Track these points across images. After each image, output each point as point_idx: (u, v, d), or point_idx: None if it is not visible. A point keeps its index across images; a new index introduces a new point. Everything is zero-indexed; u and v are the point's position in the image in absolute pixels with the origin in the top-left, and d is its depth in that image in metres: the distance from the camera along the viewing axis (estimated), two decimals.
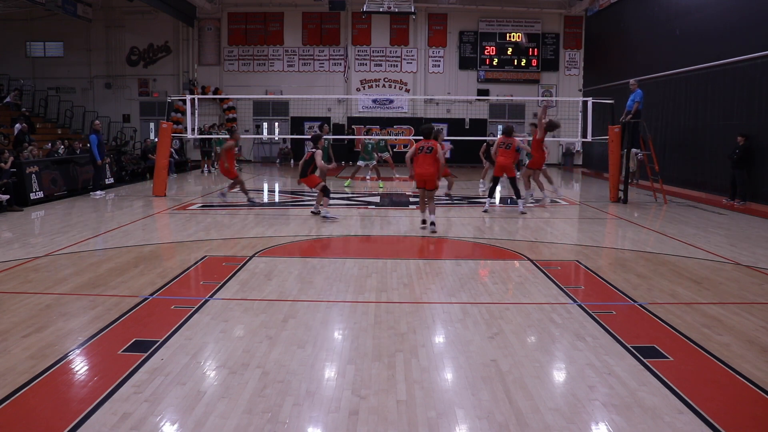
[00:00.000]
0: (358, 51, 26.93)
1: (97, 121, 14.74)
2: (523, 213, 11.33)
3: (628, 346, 4.50)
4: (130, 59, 27.18)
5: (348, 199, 13.83)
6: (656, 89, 16.66)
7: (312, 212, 10.91)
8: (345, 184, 16.36)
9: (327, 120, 26.65)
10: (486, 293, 6.01)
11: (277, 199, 14.73)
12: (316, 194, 10.94)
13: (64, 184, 13.77)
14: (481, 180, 16.06)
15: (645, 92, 13.95)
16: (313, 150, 10.44)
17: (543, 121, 12.17)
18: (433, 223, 9.32)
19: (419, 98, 26.51)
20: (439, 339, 4.70)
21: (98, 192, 14.11)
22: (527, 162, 13.01)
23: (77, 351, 4.33)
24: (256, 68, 26.95)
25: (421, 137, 9.41)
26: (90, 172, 14.46)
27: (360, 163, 16.33)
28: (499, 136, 11.86)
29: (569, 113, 24.12)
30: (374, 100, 26.84)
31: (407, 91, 26.84)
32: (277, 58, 26.94)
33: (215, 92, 25.96)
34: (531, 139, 13.00)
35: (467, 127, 25.85)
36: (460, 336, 4.72)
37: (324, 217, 10.38)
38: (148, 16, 25.94)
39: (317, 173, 10.51)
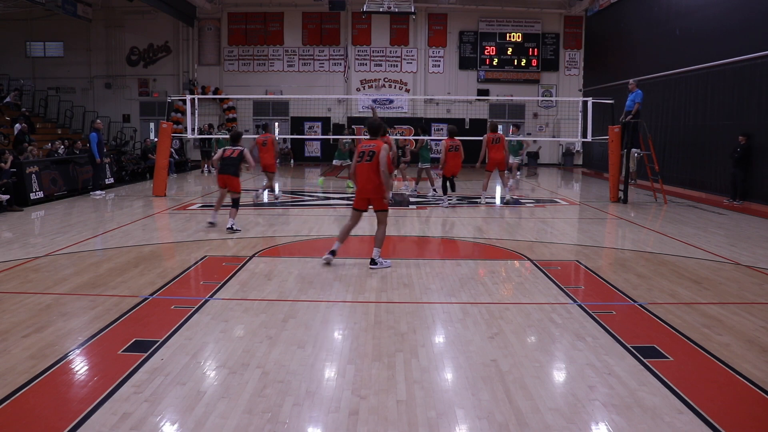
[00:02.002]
0: (358, 51, 26.93)
1: (98, 121, 14.78)
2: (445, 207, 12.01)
3: (628, 346, 4.50)
4: (130, 59, 27.18)
5: (348, 199, 13.82)
6: (656, 89, 16.66)
7: (209, 220, 9.59)
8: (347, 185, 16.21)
9: (327, 120, 26.69)
10: (486, 293, 6.01)
11: (276, 199, 14.71)
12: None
13: (64, 184, 13.76)
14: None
15: (645, 92, 13.96)
16: (240, 148, 9.35)
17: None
18: (373, 262, 6.91)
19: (419, 98, 26.51)
20: (439, 339, 4.70)
21: (98, 192, 14.12)
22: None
23: (77, 351, 4.33)
24: (256, 68, 26.95)
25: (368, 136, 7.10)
26: (90, 172, 14.45)
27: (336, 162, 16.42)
28: (446, 139, 12.31)
29: (569, 113, 24.16)
30: (374, 100, 26.84)
31: (407, 91, 26.83)
32: (277, 58, 26.94)
33: (215, 92, 25.95)
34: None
35: (467, 127, 25.83)
36: (460, 336, 4.72)
37: (232, 228, 9.10)
38: (148, 16, 25.92)
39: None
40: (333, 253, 6.98)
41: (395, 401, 3.59)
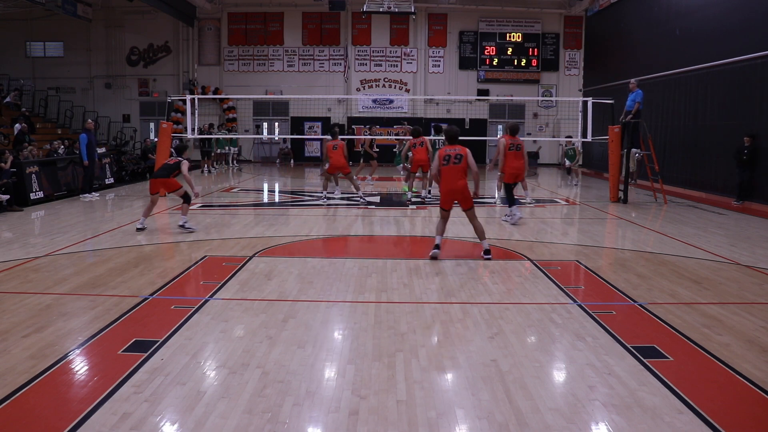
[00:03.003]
0: (358, 51, 26.93)
1: (89, 121, 14.27)
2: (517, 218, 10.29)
3: (628, 346, 4.50)
4: (130, 59, 27.18)
5: (348, 199, 13.82)
6: (656, 89, 16.66)
7: (138, 226, 9.28)
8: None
9: (327, 120, 26.68)
10: (486, 293, 6.01)
11: (277, 199, 14.73)
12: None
13: (64, 184, 13.75)
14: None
15: (645, 92, 13.96)
16: (180, 159, 9.41)
17: None
18: (487, 252, 7.44)
19: (419, 98, 26.51)
20: (439, 339, 4.70)
21: (87, 195, 13.47)
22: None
23: (77, 351, 4.33)
24: (256, 68, 26.95)
25: (446, 141, 7.64)
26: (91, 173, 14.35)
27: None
28: (502, 137, 10.50)
29: (569, 113, 24.16)
30: (374, 100, 26.84)
31: (407, 91, 26.83)
32: (277, 58, 26.94)
33: (215, 92, 25.96)
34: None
35: (467, 127, 25.84)
36: (460, 336, 4.72)
37: (183, 226, 9.20)
38: (148, 16, 25.92)
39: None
40: (438, 247, 7.47)
41: (395, 401, 3.59)
